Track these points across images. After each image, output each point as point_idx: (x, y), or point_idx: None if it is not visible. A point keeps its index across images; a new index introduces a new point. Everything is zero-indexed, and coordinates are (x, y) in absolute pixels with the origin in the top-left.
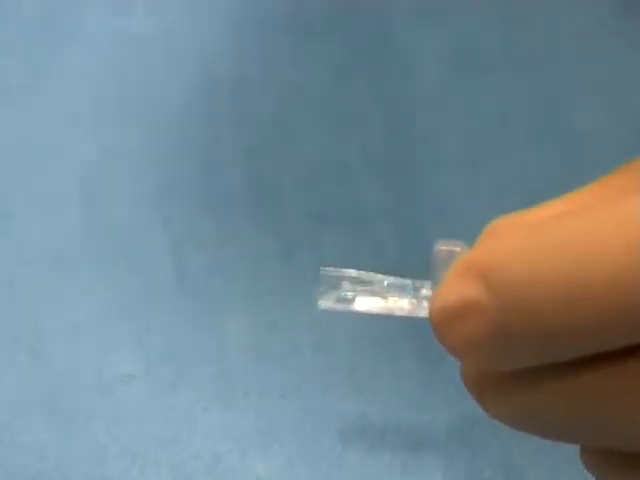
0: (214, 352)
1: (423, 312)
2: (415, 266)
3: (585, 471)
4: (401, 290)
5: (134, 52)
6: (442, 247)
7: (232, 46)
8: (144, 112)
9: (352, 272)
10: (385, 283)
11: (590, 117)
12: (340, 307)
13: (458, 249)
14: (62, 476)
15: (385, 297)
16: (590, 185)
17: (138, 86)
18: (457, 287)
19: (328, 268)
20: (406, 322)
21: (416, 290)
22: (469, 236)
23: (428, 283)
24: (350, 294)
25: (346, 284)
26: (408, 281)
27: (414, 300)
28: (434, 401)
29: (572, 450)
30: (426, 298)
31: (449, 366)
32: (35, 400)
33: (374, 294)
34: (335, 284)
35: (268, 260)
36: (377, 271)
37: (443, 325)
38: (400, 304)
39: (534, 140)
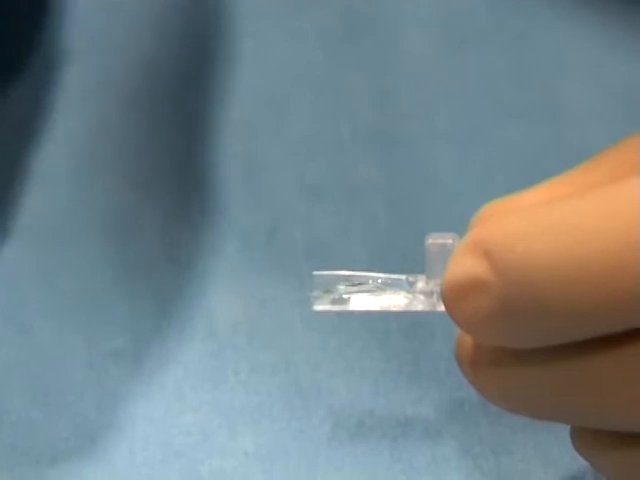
0: (203, 329)
1: (420, 306)
2: (407, 240)
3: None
4: (395, 286)
5: (124, 25)
6: (435, 240)
7: (222, 21)
8: (131, 88)
9: (345, 273)
10: (379, 281)
11: (580, 93)
12: (336, 308)
13: (450, 241)
14: (51, 453)
15: (380, 295)
16: (580, 166)
17: (127, 62)
18: (463, 264)
19: (321, 272)
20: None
21: (411, 285)
22: (460, 210)
23: (422, 277)
24: (345, 295)
25: (340, 285)
26: (402, 276)
27: (409, 295)
28: (423, 379)
29: (560, 427)
30: (421, 292)
31: (439, 344)
32: (24, 377)
33: (369, 293)
34: (329, 286)
35: (258, 236)
36: (373, 268)
37: (452, 300)
38: (396, 300)
39: (524, 115)
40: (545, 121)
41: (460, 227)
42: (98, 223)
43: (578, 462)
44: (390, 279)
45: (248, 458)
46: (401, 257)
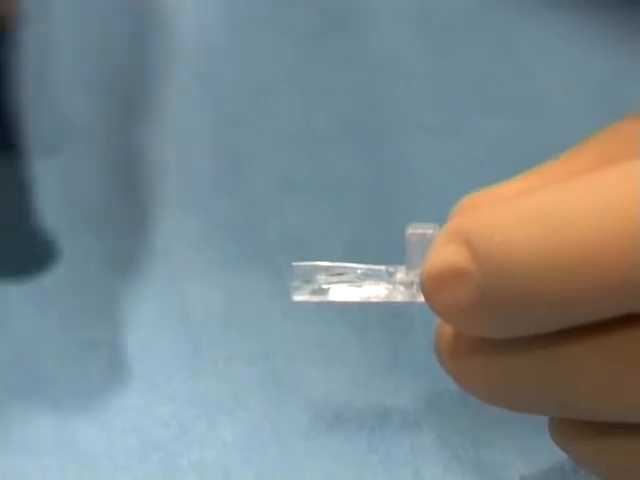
0: (181, 319)
1: (400, 297)
2: (384, 234)
3: (552, 441)
4: (375, 277)
5: (96, 16)
6: (415, 230)
7: (199, 13)
8: (110, 80)
9: (325, 263)
10: (358, 271)
11: (561, 86)
12: (315, 299)
13: (430, 231)
14: (27, 444)
15: (360, 285)
16: (559, 157)
17: (105, 55)
18: (444, 254)
19: (300, 262)
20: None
21: (390, 275)
22: (439, 203)
23: (402, 268)
24: (324, 285)
25: (319, 276)
26: (382, 267)
27: (389, 286)
28: (402, 370)
29: (539, 419)
30: (401, 283)
31: (417, 335)
32: (0, 367)
33: (348, 283)
34: (308, 277)
35: (235, 227)
36: (350, 260)
37: (431, 289)
38: (375, 291)
39: (504, 108)
40: (525, 114)
41: (439, 219)
42: (74, 214)
43: (556, 454)
44: (370, 270)
45: (227, 448)
46: (378, 250)
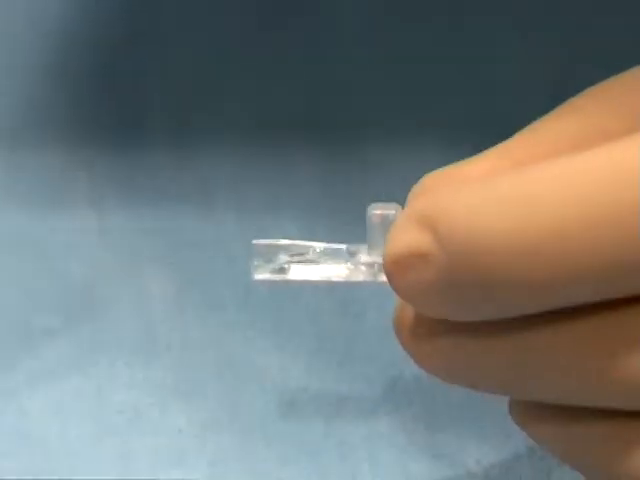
0: (135, 306)
1: (361, 277)
2: (334, 209)
3: (511, 422)
4: (336, 256)
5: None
6: (376, 211)
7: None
8: (61, 62)
9: (285, 242)
10: (319, 250)
11: (512, 67)
12: (275, 277)
13: (392, 212)
14: None
15: (321, 264)
16: (518, 137)
17: (56, 36)
18: (406, 236)
19: (261, 240)
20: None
21: (352, 255)
22: (394, 188)
23: (364, 247)
24: (285, 264)
25: (280, 254)
26: (343, 246)
27: (350, 265)
28: (356, 357)
29: (495, 404)
30: (363, 262)
31: (371, 322)
32: None
33: (309, 262)
34: (269, 255)
35: (188, 212)
36: (311, 239)
37: (394, 271)
38: (336, 270)
39: (459, 93)
40: (480, 99)
41: (397, 198)
42: (31, 198)
43: (512, 438)
44: (331, 249)
45: (181, 434)
46: (333, 232)
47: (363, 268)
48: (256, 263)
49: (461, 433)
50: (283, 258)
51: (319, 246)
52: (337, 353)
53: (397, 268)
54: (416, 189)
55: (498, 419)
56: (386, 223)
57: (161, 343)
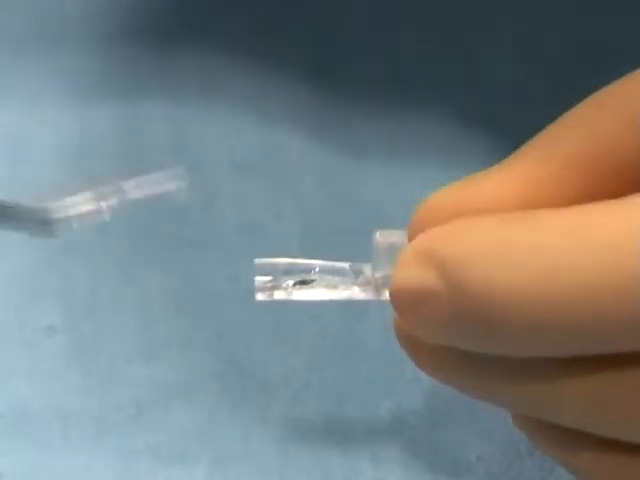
0: (136, 304)
1: (363, 295)
2: (339, 217)
3: (509, 423)
4: (339, 275)
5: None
6: (382, 239)
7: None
8: (63, 66)
9: (287, 260)
10: (322, 269)
11: (508, 63)
12: (278, 297)
13: (398, 239)
14: None
15: (323, 283)
16: (524, 152)
17: (55, 34)
18: (415, 272)
19: (262, 260)
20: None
21: (355, 274)
22: (391, 186)
23: (367, 266)
24: (287, 283)
25: (282, 273)
26: (345, 265)
27: (353, 284)
28: (357, 354)
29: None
30: (365, 282)
31: (372, 319)
32: None
33: (312, 281)
34: (271, 274)
35: (189, 212)
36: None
37: (401, 305)
38: (339, 289)
39: (455, 86)
40: (475, 93)
41: (390, 204)
42: (29, 199)
43: (513, 435)
44: (333, 267)
45: (182, 432)
46: (333, 233)
47: (366, 287)
48: (258, 283)
49: (462, 429)
50: (286, 277)
51: (322, 264)
52: (338, 350)
53: (404, 302)
54: (421, 211)
55: (499, 415)
56: (392, 247)
57: (162, 341)
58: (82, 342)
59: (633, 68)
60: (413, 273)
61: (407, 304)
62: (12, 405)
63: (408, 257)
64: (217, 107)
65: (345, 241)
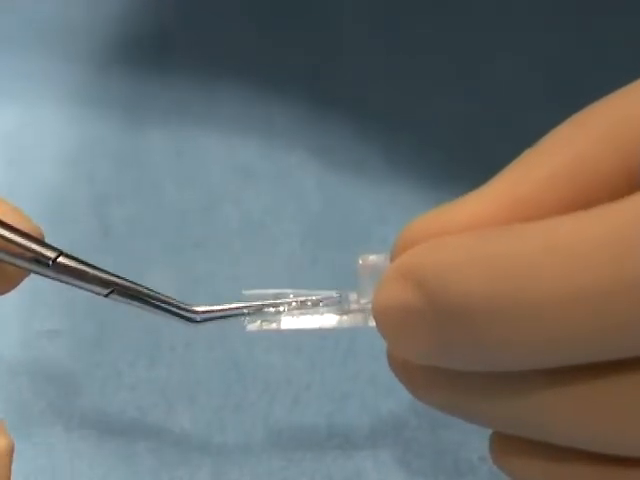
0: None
1: (351, 323)
2: (338, 219)
3: None
4: (327, 303)
5: (55, 9)
6: (365, 261)
7: (153, 7)
8: (64, 69)
9: (275, 291)
10: (310, 298)
11: (510, 67)
12: (267, 327)
13: (382, 261)
14: None
15: (311, 312)
16: (504, 175)
17: (56, 41)
18: (393, 289)
19: (251, 291)
20: (329, 276)
21: (342, 302)
22: (390, 190)
23: (354, 295)
24: (276, 314)
25: (270, 304)
26: (333, 294)
27: (341, 313)
28: (359, 355)
29: None
30: (353, 309)
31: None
32: None
33: (299, 311)
34: (259, 305)
35: (191, 214)
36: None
37: (387, 328)
38: (327, 318)
39: (457, 90)
40: (475, 99)
41: (390, 208)
42: (34, 204)
43: None
44: (321, 296)
45: (185, 434)
46: (332, 235)
47: (353, 315)
48: (247, 314)
49: (464, 430)
50: (274, 308)
51: (309, 294)
52: (340, 352)
53: (388, 322)
54: (402, 237)
55: None
56: (375, 272)
57: (165, 343)
58: (84, 345)
59: (633, 68)
60: (394, 291)
61: (390, 323)
62: (15, 408)
63: (389, 276)
64: (218, 110)
65: (345, 242)
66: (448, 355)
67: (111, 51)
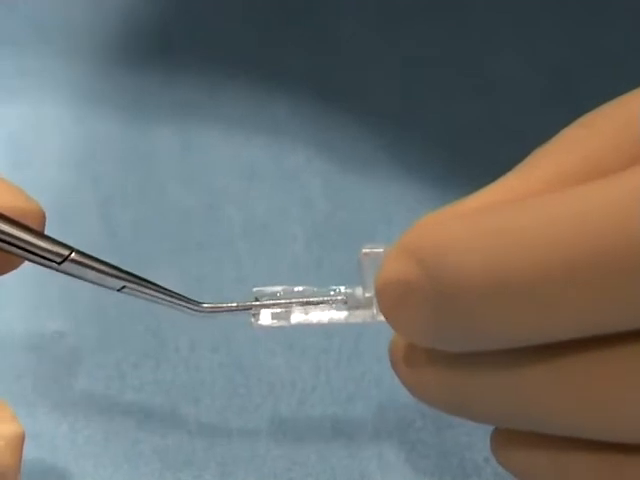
0: (143, 308)
1: (360, 318)
2: (344, 220)
3: None
4: (334, 299)
5: (59, 9)
6: (367, 251)
7: (156, 5)
8: (68, 70)
9: (284, 287)
10: (317, 294)
11: (512, 66)
12: (276, 324)
13: (382, 251)
14: None
15: (319, 308)
16: (515, 173)
17: (60, 40)
18: (395, 265)
19: (261, 288)
20: (334, 277)
21: (348, 297)
22: (396, 190)
23: (359, 289)
24: (284, 310)
25: (279, 300)
26: (342, 288)
27: (349, 307)
28: (364, 356)
29: None
30: (360, 304)
31: (380, 323)
32: None
33: (308, 306)
34: (269, 301)
35: (195, 215)
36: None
37: (385, 303)
38: (334, 313)
39: (458, 92)
40: (479, 98)
41: (396, 208)
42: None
43: None
44: (328, 292)
45: (190, 435)
46: (338, 236)
47: (361, 309)
48: (256, 310)
49: (470, 431)
50: (283, 304)
51: (317, 290)
52: (345, 353)
53: (387, 299)
54: (417, 226)
55: None
56: (376, 263)
57: (170, 344)
58: (89, 347)
59: (635, 69)
60: (395, 268)
61: (392, 300)
62: (20, 410)
63: (391, 254)
64: (223, 110)
65: (351, 243)
66: (446, 332)
67: (115, 51)
